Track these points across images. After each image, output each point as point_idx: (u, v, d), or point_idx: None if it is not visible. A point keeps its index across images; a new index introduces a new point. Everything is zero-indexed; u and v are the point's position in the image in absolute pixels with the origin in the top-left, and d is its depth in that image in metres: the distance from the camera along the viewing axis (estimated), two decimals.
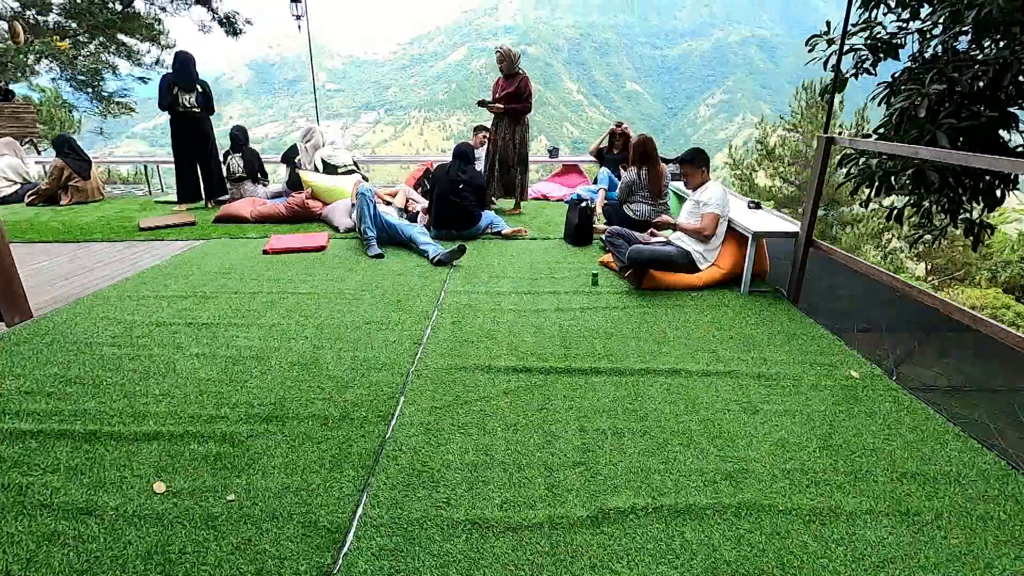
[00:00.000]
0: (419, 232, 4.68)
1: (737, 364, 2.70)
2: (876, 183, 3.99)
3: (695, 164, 3.94)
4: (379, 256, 4.48)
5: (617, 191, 5.06)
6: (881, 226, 12.57)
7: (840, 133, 13.36)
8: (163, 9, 11.70)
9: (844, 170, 4.33)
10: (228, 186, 6.62)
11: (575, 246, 4.89)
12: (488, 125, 6.21)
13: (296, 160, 6.80)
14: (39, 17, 10.84)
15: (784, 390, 2.47)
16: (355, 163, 6.87)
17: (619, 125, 6.54)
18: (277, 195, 6.60)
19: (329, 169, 6.55)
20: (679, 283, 3.79)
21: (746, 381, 2.54)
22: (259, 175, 6.70)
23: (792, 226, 3.79)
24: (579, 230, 4.91)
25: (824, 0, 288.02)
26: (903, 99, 3.58)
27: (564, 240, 5.08)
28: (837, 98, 14.48)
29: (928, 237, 4.38)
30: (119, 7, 11.36)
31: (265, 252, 4.60)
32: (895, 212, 4.22)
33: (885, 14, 4.16)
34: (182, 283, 3.85)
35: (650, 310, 3.41)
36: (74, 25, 11.27)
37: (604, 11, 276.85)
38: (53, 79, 12.13)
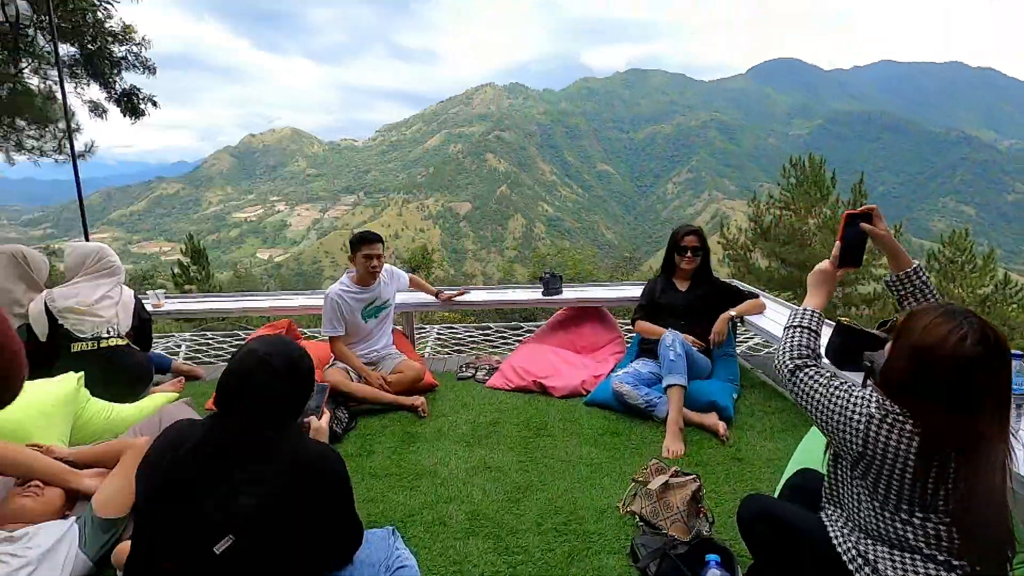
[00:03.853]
0: None
1: None
2: None
3: None
4: None
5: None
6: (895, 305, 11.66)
7: (837, 207, 12.65)
8: (56, 83, 9.60)
9: None
10: None
11: None
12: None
13: None
14: None
15: None
16: (144, 319, 2.92)
17: (689, 235, 3.00)
18: None
19: (59, 342, 2.59)
20: None
21: None
22: None
23: None
24: None
25: (775, 89, 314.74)
26: None
27: None
28: (827, 173, 14.11)
29: None
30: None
31: None
32: None
33: None
34: None
35: None
36: None
37: (572, 99, 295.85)
38: None
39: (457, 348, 4.54)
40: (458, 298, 3.59)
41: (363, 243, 2.89)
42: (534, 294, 3.84)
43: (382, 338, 3.13)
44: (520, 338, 4.45)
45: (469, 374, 3.30)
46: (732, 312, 2.92)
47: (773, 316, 3.12)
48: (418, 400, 2.81)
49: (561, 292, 3.81)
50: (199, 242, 15.82)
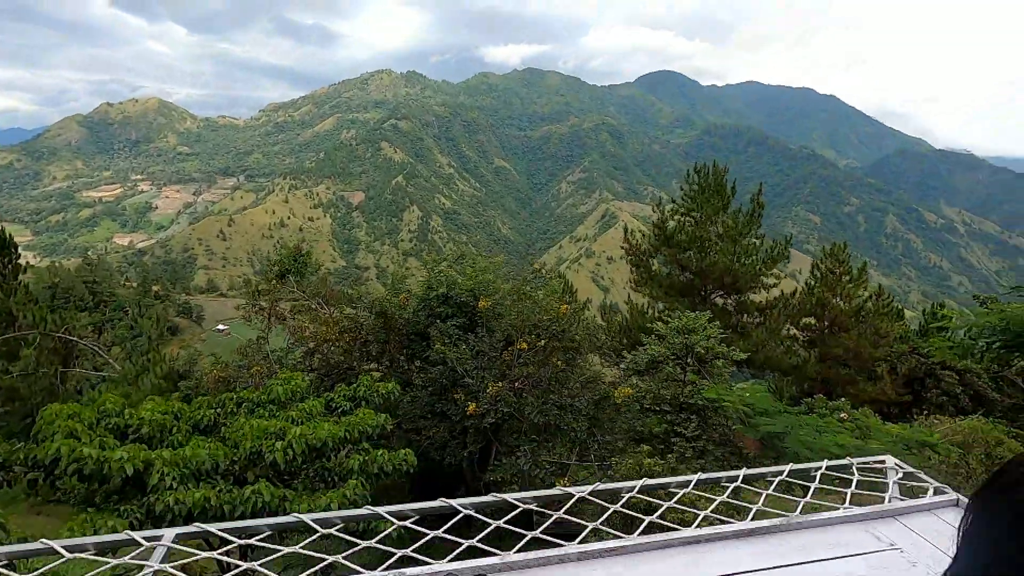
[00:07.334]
0: None
1: None
2: None
3: None
4: None
5: None
6: (785, 316, 12.39)
7: (739, 215, 13.06)
8: None
9: None
10: None
11: None
12: None
13: None
14: None
15: None
16: None
17: None
18: None
19: None
20: None
21: None
22: None
23: None
24: None
25: (659, 99, 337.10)
26: None
27: None
28: (729, 182, 14.37)
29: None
30: None
31: None
32: None
33: None
34: None
35: None
36: None
37: (471, 93, 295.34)
38: None
39: None
40: None
41: None
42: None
43: None
44: None
45: None
46: None
47: None
48: None
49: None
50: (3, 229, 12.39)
